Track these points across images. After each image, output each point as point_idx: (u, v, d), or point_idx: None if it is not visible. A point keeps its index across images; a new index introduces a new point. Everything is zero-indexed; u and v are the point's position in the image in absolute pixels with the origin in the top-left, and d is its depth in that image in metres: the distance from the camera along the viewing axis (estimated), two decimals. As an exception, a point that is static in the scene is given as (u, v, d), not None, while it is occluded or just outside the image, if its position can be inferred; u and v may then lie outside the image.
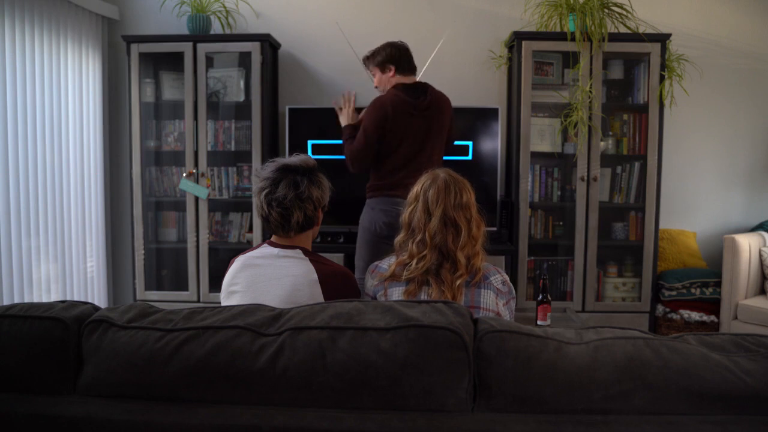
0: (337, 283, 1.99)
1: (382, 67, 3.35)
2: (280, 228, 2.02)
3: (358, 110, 3.55)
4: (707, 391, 1.18)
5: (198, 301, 4.20)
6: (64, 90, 3.89)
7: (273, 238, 2.08)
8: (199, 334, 1.23)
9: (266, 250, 2.04)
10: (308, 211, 2.01)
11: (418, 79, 3.39)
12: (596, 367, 1.20)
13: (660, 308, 4.13)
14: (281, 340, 1.21)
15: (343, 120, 3.52)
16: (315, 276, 1.95)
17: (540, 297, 2.77)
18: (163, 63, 4.24)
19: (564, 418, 1.16)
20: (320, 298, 1.91)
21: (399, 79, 3.31)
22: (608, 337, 1.26)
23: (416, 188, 2.11)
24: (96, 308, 1.34)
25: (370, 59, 3.40)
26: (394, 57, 3.33)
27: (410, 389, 1.17)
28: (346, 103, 3.55)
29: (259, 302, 1.84)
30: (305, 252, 2.02)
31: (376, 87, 3.43)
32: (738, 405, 1.18)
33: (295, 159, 2.07)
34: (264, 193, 2.00)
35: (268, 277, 1.97)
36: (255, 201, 2.06)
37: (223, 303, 2.06)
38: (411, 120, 3.23)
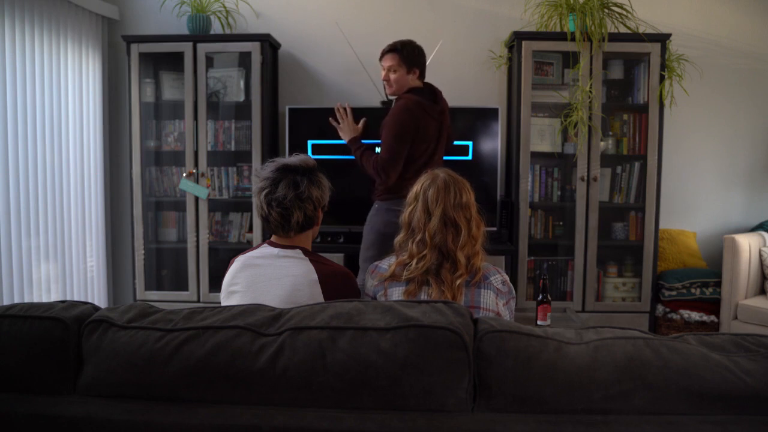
0: (337, 283, 1.98)
1: (410, 67, 3.25)
2: (280, 228, 2.02)
3: (355, 112, 3.55)
4: (707, 391, 1.18)
5: (198, 301, 4.20)
6: (64, 90, 3.89)
7: (273, 238, 2.08)
8: (199, 334, 1.22)
9: (266, 250, 2.04)
10: (308, 211, 2.01)
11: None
12: (596, 367, 1.20)
13: (660, 308, 4.13)
14: (281, 340, 1.21)
15: (345, 134, 3.47)
16: (315, 276, 1.95)
17: (540, 297, 2.77)
18: (163, 63, 4.24)
19: (564, 418, 1.16)
20: (320, 298, 1.91)
21: (416, 83, 3.29)
22: (608, 337, 1.26)
23: (416, 188, 2.11)
24: (96, 308, 1.34)
25: (399, 53, 3.24)
26: (424, 61, 3.30)
27: (410, 389, 1.17)
28: (342, 117, 3.51)
29: (259, 302, 1.84)
30: (305, 252, 2.02)
31: (384, 81, 3.34)
32: (738, 405, 1.18)
33: (295, 159, 2.07)
34: (264, 193, 2.00)
35: (268, 277, 1.97)
36: (255, 201, 2.06)
37: (223, 303, 2.06)
38: (432, 123, 3.24)
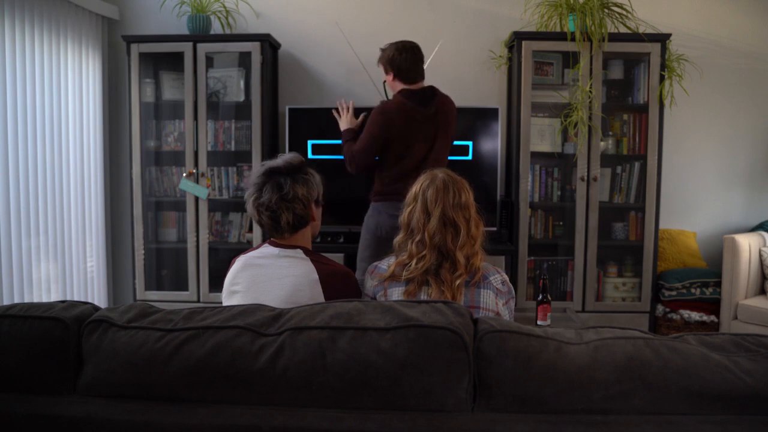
0: (338, 283, 1.99)
1: (385, 68, 3.34)
2: (274, 230, 2.03)
3: (357, 111, 3.57)
4: (707, 391, 1.18)
5: (198, 301, 4.20)
6: (64, 90, 3.89)
7: (273, 238, 2.08)
8: (199, 334, 1.22)
9: (267, 249, 2.05)
10: (297, 210, 2.00)
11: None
12: (596, 367, 1.20)
13: (660, 308, 4.13)
14: (281, 340, 1.21)
15: (343, 124, 3.55)
16: (316, 276, 1.95)
17: (540, 297, 2.76)
18: (163, 63, 4.24)
19: (564, 418, 1.16)
20: (321, 298, 1.92)
21: (403, 85, 3.29)
22: (608, 337, 1.26)
23: (415, 188, 2.11)
24: (96, 308, 1.34)
25: (380, 55, 3.37)
26: (395, 62, 3.28)
27: (410, 389, 1.17)
28: (343, 111, 3.59)
29: (260, 302, 1.84)
30: (306, 252, 2.02)
31: (384, 82, 3.45)
32: (738, 405, 1.18)
33: (280, 160, 2.06)
34: (252, 199, 2.01)
35: (269, 277, 1.97)
36: (248, 209, 2.07)
37: (225, 303, 2.06)
38: (419, 127, 3.23)
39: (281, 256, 2.00)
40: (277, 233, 2.03)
